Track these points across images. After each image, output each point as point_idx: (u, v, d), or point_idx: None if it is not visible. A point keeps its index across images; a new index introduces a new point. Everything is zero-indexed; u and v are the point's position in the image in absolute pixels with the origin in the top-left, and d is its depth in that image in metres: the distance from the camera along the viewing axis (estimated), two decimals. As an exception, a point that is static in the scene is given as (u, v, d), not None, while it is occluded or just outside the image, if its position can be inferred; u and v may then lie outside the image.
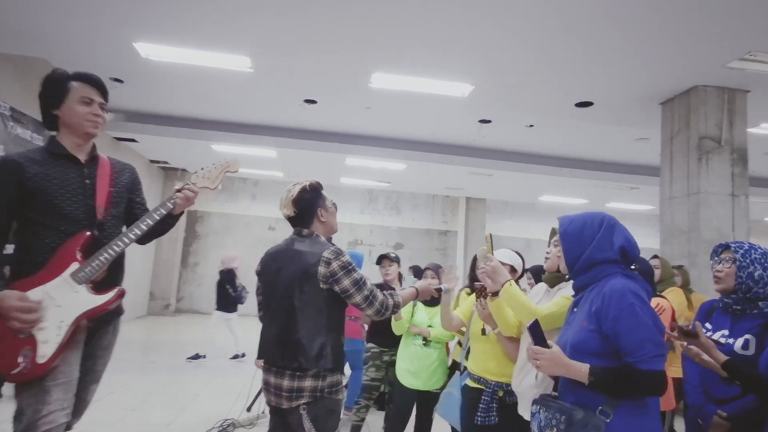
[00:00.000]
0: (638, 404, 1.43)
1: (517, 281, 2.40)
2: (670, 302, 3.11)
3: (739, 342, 1.75)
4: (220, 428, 3.75)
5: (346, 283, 1.86)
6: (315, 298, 1.86)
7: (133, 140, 8.15)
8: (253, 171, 10.42)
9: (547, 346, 1.50)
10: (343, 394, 1.93)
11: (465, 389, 2.45)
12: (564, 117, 5.94)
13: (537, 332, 1.52)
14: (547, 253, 2.11)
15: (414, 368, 3.07)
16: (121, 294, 1.82)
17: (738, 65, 4.25)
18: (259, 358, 1.92)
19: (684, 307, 3.61)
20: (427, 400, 3.10)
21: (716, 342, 1.77)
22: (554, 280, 2.07)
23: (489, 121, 6.87)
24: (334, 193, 11.85)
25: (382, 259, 3.69)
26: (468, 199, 11.91)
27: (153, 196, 10.44)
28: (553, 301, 1.94)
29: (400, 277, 3.83)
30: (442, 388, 3.13)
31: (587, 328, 1.50)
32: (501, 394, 2.26)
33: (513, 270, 2.45)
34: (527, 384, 1.97)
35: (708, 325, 1.91)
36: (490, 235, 2.17)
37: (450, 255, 12.21)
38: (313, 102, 6.54)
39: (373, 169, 9.31)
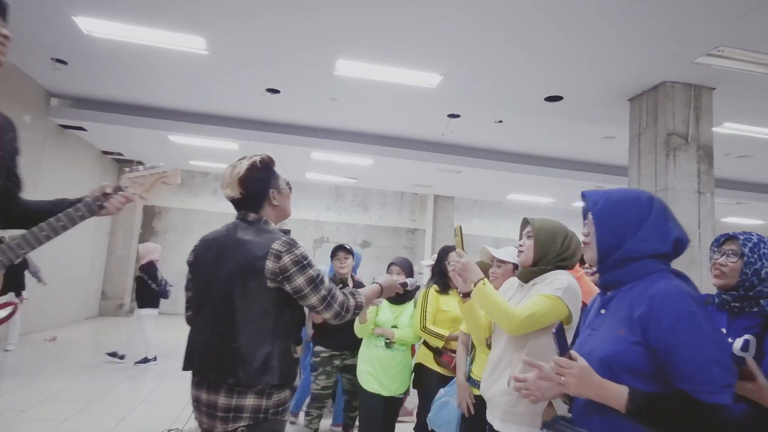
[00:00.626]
0: None
1: None
2: None
3: (738, 342, 1.57)
4: (163, 439, 3.42)
5: (300, 281, 1.55)
6: (260, 299, 1.54)
7: (81, 128, 7.61)
8: (213, 165, 9.97)
9: (572, 357, 1.15)
10: (288, 414, 1.65)
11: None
12: (533, 112, 5.84)
13: (562, 339, 1.17)
14: (520, 245, 1.91)
15: (375, 372, 2.83)
16: (14, 311, 1.44)
17: (706, 61, 4.22)
18: (185, 368, 1.59)
19: None
20: (389, 407, 2.86)
21: None
22: (528, 275, 1.87)
23: (458, 116, 6.73)
24: (300, 189, 11.65)
25: (337, 251, 3.36)
26: (436, 197, 11.79)
27: (105, 189, 9.85)
28: (532, 301, 1.73)
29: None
30: (406, 393, 2.92)
31: (626, 338, 1.16)
32: None
33: (516, 268, 2.22)
34: (498, 390, 1.76)
35: None
36: (460, 227, 1.93)
37: (418, 253, 12.06)
38: (276, 91, 6.23)
39: (339, 164, 9.04)
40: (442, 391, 2.43)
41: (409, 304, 2.95)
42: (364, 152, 7.97)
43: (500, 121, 6.84)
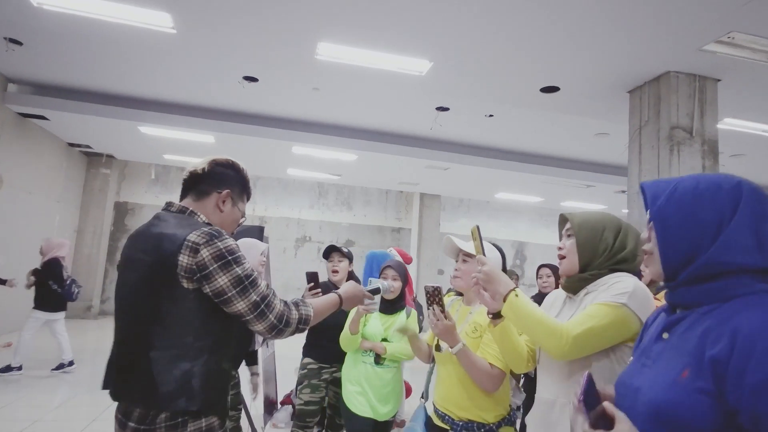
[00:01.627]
0: None
1: None
2: None
3: None
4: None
5: (222, 281, 1.23)
6: (177, 305, 1.23)
7: (43, 117, 7.07)
8: (189, 159, 9.45)
9: (606, 420, 0.83)
10: None
11: (428, 426, 1.84)
12: (527, 104, 5.52)
13: (591, 398, 0.86)
14: (560, 249, 1.48)
15: (364, 392, 2.43)
16: None
17: (714, 48, 3.95)
18: (104, 387, 1.30)
19: None
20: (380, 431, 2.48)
21: None
22: (577, 284, 1.43)
23: (447, 109, 6.40)
24: (281, 186, 11.20)
25: (330, 252, 2.95)
26: (422, 195, 11.46)
27: (74, 184, 9.29)
28: (586, 312, 1.31)
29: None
30: (397, 413, 2.55)
31: (692, 384, 0.83)
32: None
33: None
34: None
35: None
36: (477, 227, 1.53)
37: (403, 253, 11.71)
38: (254, 80, 5.82)
39: (322, 160, 8.65)
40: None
41: (401, 314, 2.55)
42: (348, 147, 7.60)
43: (491, 116, 6.53)
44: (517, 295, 1.33)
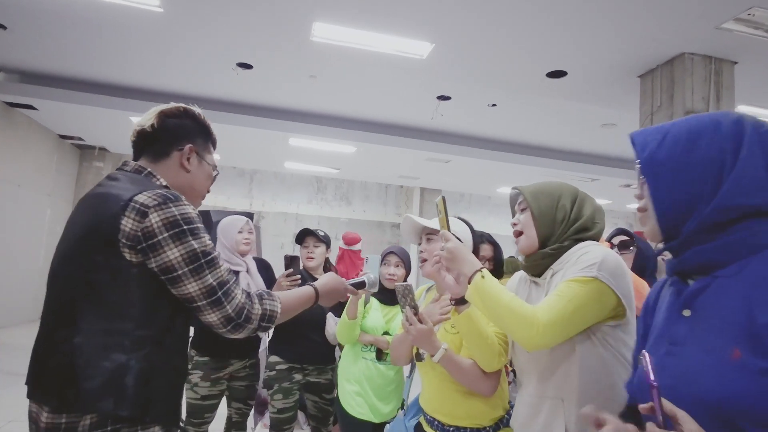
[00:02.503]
0: None
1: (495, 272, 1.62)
2: None
3: None
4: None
5: (173, 254, 1.00)
6: (115, 280, 1.00)
7: (30, 107, 6.85)
8: (185, 152, 9.25)
9: (668, 414, 0.64)
10: None
11: (415, 430, 1.61)
12: (533, 90, 5.30)
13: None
14: (514, 224, 1.30)
15: (364, 392, 2.19)
16: None
17: (733, 26, 3.72)
18: (26, 382, 1.06)
19: None
20: None
21: None
22: (540, 262, 1.25)
23: (448, 98, 6.18)
24: (278, 181, 10.98)
25: (305, 237, 2.65)
26: (423, 189, 11.25)
27: (66, 177, 9.07)
28: (557, 292, 1.12)
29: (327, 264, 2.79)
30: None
31: (750, 364, 0.67)
32: None
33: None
34: None
35: None
36: (443, 198, 1.36)
37: (403, 249, 11.50)
38: (248, 66, 5.60)
39: (320, 153, 8.43)
40: (387, 428, 1.77)
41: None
42: (347, 138, 7.37)
43: (494, 105, 6.31)
44: (483, 277, 1.14)
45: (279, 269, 2.70)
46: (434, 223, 1.60)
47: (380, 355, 2.23)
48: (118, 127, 7.65)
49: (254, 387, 2.66)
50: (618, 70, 4.62)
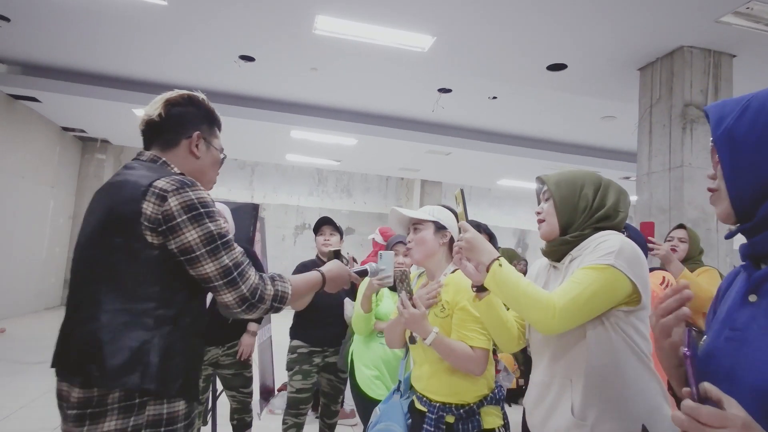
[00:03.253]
0: None
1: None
2: (708, 287, 2.25)
3: None
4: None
5: (192, 235, 1.05)
6: (136, 261, 1.05)
7: (34, 99, 6.88)
8: (186, 144, 9.28)
9: (707, 395, 0.64)
10: None
11: (412, 412, 1.67)
12: (533, 83, 5.33)
13: (694, 363, 0.65)
14: (538, 213, 1.35)
15: (383, 376, 2.26)
16: None
17: (731, 20, 3.76)
18: (52, 365, 1.11)
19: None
20: None
21: None
22: (559, 249, 1.29)
23: (449, 91, 6.21)
24: (280, 173, 11.02)
25: (321, 226, 2.78)
26: (423, 182, 11.30)
27: (68, 169, 9.12)
28: (572, 278, 1.17)
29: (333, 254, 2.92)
30: None
31: None
32: (451, 420, 1.54)
33: (439, 228, 1.67)
34: (559, 426, 1.18)
35: None
36: (461, 191, 1.39)
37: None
38: (250, 59, 5.63)
39: (321, 145, 8.47)
40: (377, 410, 1.80)
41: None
42: (348, 130, 7.41)
43: (494, 97, 6.34)
44: (500, 265, 1.19)
45: (279, 262, 2.78)
46: (419, 214, 1.68)
47: None
48: (120, 120, 7.69)
49: (243, 375, 2.69)
50: (618, 63, 4.66)
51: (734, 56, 4.28)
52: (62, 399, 1.08)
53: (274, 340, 4.44)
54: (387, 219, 12.13)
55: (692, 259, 2.56)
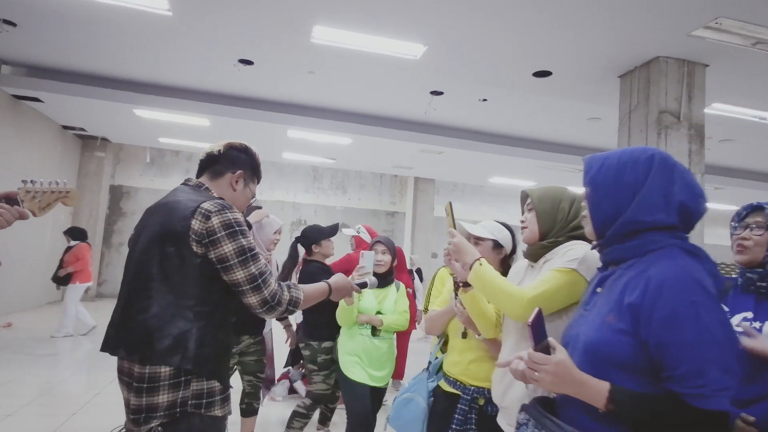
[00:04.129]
0: None
1: (507, 261, 1.91)
2: None
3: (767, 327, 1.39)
4: (119, 435, 3.10)
5: (227, 248, 1.33)
6: (182, 266, 1.32)
7: (37, 100, 7.06)
8: (185, 142, 9.48)
9: (550, 346, 0.99)
10: (225, 409, 1.39)
11: (437, 393, 1.95)
12: (521, 88, 5.59)
13: (539, 330, 1.00)
14: (522, 221, 1.62)
15: (362, 362, 2.57)
16: None
17: (702, 34, 4.02)
18: (102, 349, 1.39)
19: None
20: (374, 398, 2.63)
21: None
22: (537, 252, 1.57)
23: (441, 93, 6.45)
24: (276, 169, 11.25)
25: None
26: (417, 179, 11.55)
27: (68, 167, 9.30)
28: (541, 277, 1.44)
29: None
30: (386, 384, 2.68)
31: (614, 325, 1.00)
32: (481, 402, 1.80)
33: (497, 246, 1.90)
34: (514, 397, 1.46)
35: (724, 308, 1.53)
36: (450, 204, 1.66)
37: (398, 237, 11.84)
38: (249, 63, 5.83)
39: (317, 144, 8.69)
40: (406, 384, 2.09)
41: (391, 288, 2.71)
42: (343, 130, 7.64)
43: (485, 100, 6.59)
44: (481, 264, 1.46)
45: (275, 257, 3.06)
46: (481, 231, 1.90)
47: (375, 331, 2.59)
48: (120, 119, 7.88)
49: (262, 361, 3.00)
50: (599, 70, 4.92)
51: (707, 66, 4.55)
52: (123, 374, 1.36)
53: (273, 332, 4.69)
54: (381, 216, 12.39)
55: None
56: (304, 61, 5.58)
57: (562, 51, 4.60)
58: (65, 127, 8.82)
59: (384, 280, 2.65)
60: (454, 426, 1.78)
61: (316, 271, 2.90)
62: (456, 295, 1.74)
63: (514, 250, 1.97)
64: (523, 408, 1.12)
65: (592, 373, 0.98)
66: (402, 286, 2.75)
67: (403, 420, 2.01)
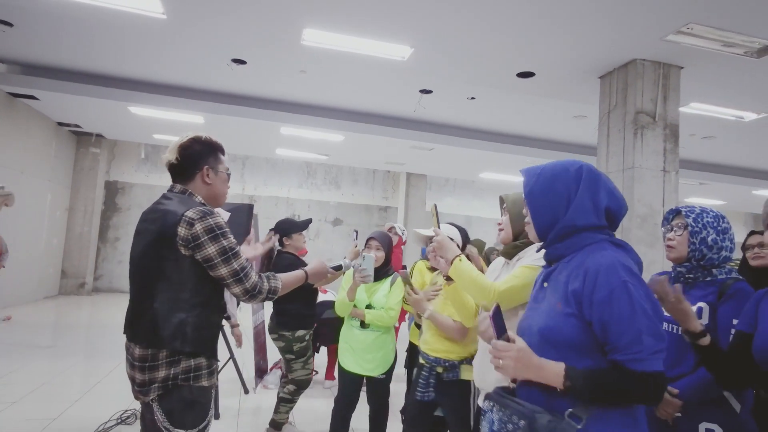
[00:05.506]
0: (623, 409, 1.13)
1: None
2: None
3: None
4: (118, 420, 3.29)
5: (211, 250, 1.52)
6: (176, 267, 1.53)
7: (32, 97, 7.17)
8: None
9: (509, 339, 1.16)
10: (211, 381, 1.60)
11: (418, 367, 2.33)
12: (506, 88, 5.77)
13: (499, 322, 1.17)
14: (499, 223, 1.84)
15: (353, 352, 2.78)
16: None
17: (675, 39, 4.21)
18: (124, 332, 1.64)
19: None
20: (373, 388, 2.81)
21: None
22: (511, 251, 1.79)
23: (430, 92, 6.61)
24: (270, 165, 11.40)
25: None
26: (409, 174, 11.73)
27: (64, 163, 9.41)
28: (512, 273, 1.66)
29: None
30: (387, 374, 2.81)
31: (563, 311, 1.17)
32: (440, 370, 2.20)
33: (461, 246, 2.27)
34: (494, 379, 1.64)
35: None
36: (435, 206, 1.90)
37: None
38: (242, 62, 5.97)
39: (310, 140, 8.84)
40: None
41: (385, 282, 2.82)
42: (335, 128, 7.80)
43: (473, 98, 6.76)
44: (460, 260, 1.68)
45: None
46: (431, 232, 2.17)
47: (363, 324, 2.77)
48: (115, 116, 7.99)
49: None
50: (580, 71, 5.10)
51: (682, 68, 4.74)
52: (129, 354, 1.58)
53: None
54: (374, 210, 12.56)
55: None
56: (295, 61, 5.73)
57: (544, 53, 4.77)
58: (60, 124, 8.92)
59: (376, 274, 2.74)
60: (419, 389, 2.16)
61: (286, 264, 3.00)
62: (405, 284, 2.09)
63: (464, 247, 2.33)
64: (487, 397, 1.26)
65: (548, 356, 1.14)
66: (399, 280, 2.80)
67: None
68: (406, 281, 2.28)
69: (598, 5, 3.83)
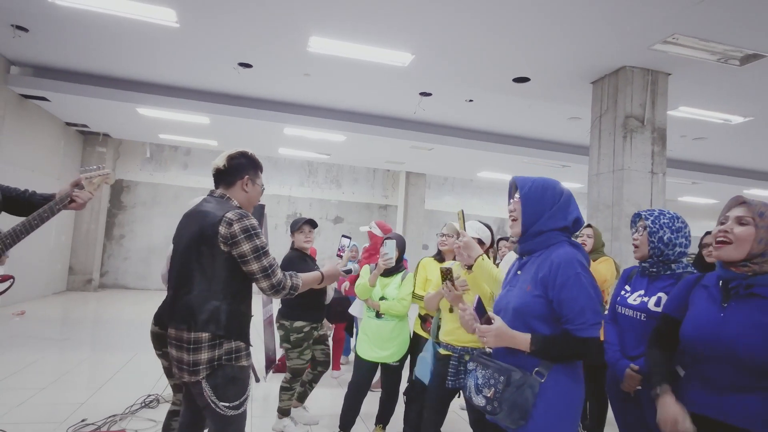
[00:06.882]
0: (569, 365, 1.51)
1: (486, 252, 2.52)
2: (605, 272, 3.16)
3: (653, 300, 1.87)
4: (142, 404, 3.53)
5: (245, 247, 1.77)
6: (214, 261, 1.77)
7: (43, 99, 7.37)
8: (184, 138, 9.82)
9: (490, 319, 1.56)
10: (249, 361, 1.85)
11: (436, 358, 2.57)
12: (502, 92, 6.01)
13: (481, 310, 1.60)
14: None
15: (369, 340, 3.06)
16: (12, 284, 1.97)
17: (662, 48, 4.45)
18: (154, 323, 1.90)
19: (613, 276, 3.39)
20: (387, 375, 3.08)
21: (632, 304, 1.89)
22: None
23: (429, 94, 6.84)
24: (271, 164, 11.65)
25: (303, 225, 3.39)
26: (408, 173, 11.95)
27: (71, 162, 9.61)
28: None
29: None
30: (401, 361, 3.09)
31: (532, 293, 1.53)
32: (467, 358, 2.40)
33: (481, 242, 2.50)
34: None
35: (627, 288, 2.02)
36: (462, 211, 2.18)
37: (390, 229, 12.25)
38: (248, 66, 6.19)
39: (312, 140, 9.07)
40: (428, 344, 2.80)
41: (397, 277, 3.10)
42: (337, 128, 8.03)
43: (471, 100, 6.99)
44: (483, 259, 2.01)
45: (272, 249, 3.48)
46: (468, 229, 2.48)
47: (378, 314, 3.06)
48: (122, 116, 8.20)
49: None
50: (573, 77, 5.34)
51: (669, 74, 4.99)
52: (172, 338, 1.80)
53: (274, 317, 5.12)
54: (374, 208, 12.77)
55: (596, 251, 3.34)
56: (300, 66, 5.95)
57: (538, 60, 5.01)
58: (68, 124, 9.13)
59: (388, 270, 3.06)
60: (449, 378, 2.41)
61: (291, 259, 3.28)
62: (444, 281, 2.28)
63: (492, 245, 2.63)
64: (471, 358, 1.63)
65: (519, 327, 1.53)
66: (410, 275, 3.15)
67: (420, 370, 2.76)
68: (447, 277, 2.25)
69: (589, 16, 4.07)
